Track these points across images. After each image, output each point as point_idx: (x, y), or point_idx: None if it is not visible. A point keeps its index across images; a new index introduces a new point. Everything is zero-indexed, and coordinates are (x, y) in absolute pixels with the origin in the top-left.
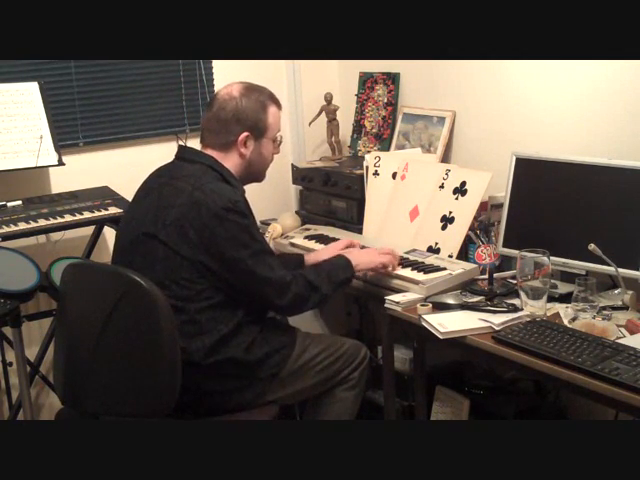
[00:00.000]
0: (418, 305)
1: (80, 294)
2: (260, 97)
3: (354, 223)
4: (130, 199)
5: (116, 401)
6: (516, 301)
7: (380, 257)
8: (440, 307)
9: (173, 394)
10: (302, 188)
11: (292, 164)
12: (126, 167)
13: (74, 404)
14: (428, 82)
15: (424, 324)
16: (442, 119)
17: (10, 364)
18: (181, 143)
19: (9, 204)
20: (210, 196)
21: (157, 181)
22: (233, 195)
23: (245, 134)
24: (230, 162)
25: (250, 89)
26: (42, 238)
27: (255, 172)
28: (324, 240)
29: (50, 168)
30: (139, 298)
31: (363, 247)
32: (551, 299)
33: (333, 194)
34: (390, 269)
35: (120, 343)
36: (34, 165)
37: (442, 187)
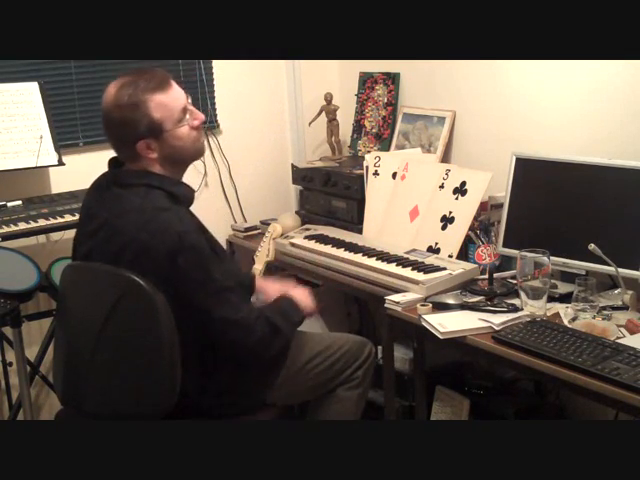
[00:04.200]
0: (418, 305)
1: (79, 295)
2: (132, 97)
3: (354, 223)
4: None
5: (116, 402)
6: (516, 301)
7: (312, 302)
8: (440, 307)
9: (173, 395)
10: (302, 188)
11: (292, 164)
12: None
13: (74, 405)
14: (428, 82)
15: (424, 324)
16: (442, 119)
17: (10, 364)
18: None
19: (9, 204)
20: (156, 236)
21: (99, 212)
22: (179, 226)
23: (140, 143)
24: (155, 168)
25: (120, 92)
26: (42, 238)
27: (182, 161)
28: (324, 240)
29: (50, 168)
30: (138, 299)
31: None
32: (551, 299)
33: (333, 194)
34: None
35: (119, 344)
36: (34, 165)
37: (442, 187)
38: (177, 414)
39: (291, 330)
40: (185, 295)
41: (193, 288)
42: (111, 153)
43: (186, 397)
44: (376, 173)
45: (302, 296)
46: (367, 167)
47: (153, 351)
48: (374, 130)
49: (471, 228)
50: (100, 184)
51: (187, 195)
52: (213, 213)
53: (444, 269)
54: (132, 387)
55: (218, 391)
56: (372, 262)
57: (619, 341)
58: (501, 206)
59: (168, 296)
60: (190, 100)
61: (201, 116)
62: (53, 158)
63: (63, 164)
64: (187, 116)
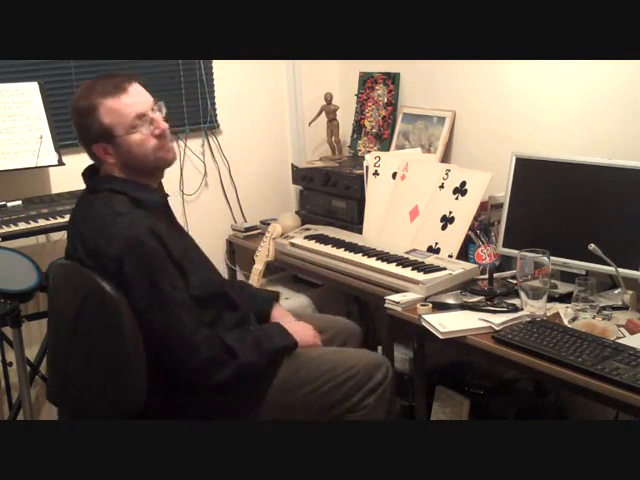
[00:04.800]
0: (418, 305)
1: (59, 292)
2: (86, 101)
3: (354, 223)
4: None
5: (88, 398)
6: (516, 301)
7: (315, 339)
8: (440, 307)
9: (140, 396)
10: (302, 188)
11: (292, 164)
12: None
13: (55, 400)
14: (428, 82)
15: (424, 324)
16: (442, 119)
17: (10, 364)
18: (180, 143)
19: (9, 204)
20: (110, 242)
21: (75, 219)
22: (129, 231)
23: (95, 147)
24: (115, 171)
25: (79, 95)
26: (42, 238)
27: (139, 169)
28: (324, 240)
29: (50, 168)
30: (101, 299)
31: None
32: (551, 299)
33: (333, 194)
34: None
35: (89, 341)
36: (34, 165)
37: (442, 187)
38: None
39: (260, 354)
40: (132, 303)
41: (137, 296)
42: None
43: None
44: (376, 173)
45: (301, 328)
46: (367, 167)
47: (117, 352)
48: (374, 130)
49: (471, 228)
50: (83, 192)
51: (154, 200)
52: (213, 213)
53: (444, 269)
54: (100, 385)
55: (193, 410)
56: (372, 262)
57: (619, 341)
58: (501, 206)
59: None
60: (162, 109)
61: (162, 125)
62: (53, 158)
63: (63, 164)
64: (143, 123)
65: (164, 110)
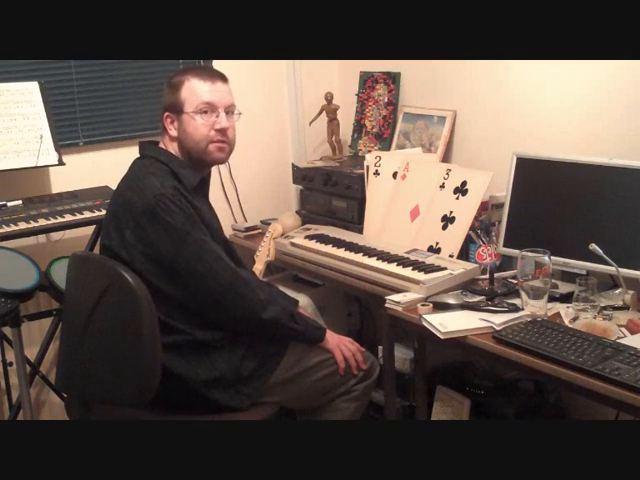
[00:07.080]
0: (419, 305)
1: (76, 282)
2: (178, 77)
3: (355, 223)
4: None
5: (99, 387)
6: (517, 301)
7: (345, 350)
8: (441, 307)
9: (152, 386)
10: (302, 188)
11: (292, 164)
12: (126, 167)
13: (65, 389)
14: (429, 82)
15: (425, 324)
16: (443, 118)
17: (10, 364)
18: None
19: (9, 204)
20: (137, 194)
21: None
22: (158, 189)
23: (165, 114)
24: (170, 147)
25: (178, 72)
26: (42, 238)
27: (190, 151)
28: (325, 240)
29: (50, 168)
30: (122, 290)
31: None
32: (552, 299)
33: (334, 194)
34: (343, 365)
35: (104, 332)
36: (34, 165)
37: (443, 187)
38: (174, 402)
39: (287, 319)
40: (161, 253)
41: (168, 245)
42: (111, 154)
43: (183, 384)
44: (377, 173)
45: (346, 343)
46: (368, 167)
47: (134, 343)
48: (375, 130)
49: (472, 228)
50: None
51: (189, 179)
52: None
53: (445, 269)
54: (114, 374)
55: (213, 376)
56: (373, 262)
57: (620, 341)
58: (502, 206)
59: (151, 261)
60: (234, 116)
61: (224, 124)
62: (53, 158)
63: (63, 164)
64: (210, 113)
65: (236, 118)
